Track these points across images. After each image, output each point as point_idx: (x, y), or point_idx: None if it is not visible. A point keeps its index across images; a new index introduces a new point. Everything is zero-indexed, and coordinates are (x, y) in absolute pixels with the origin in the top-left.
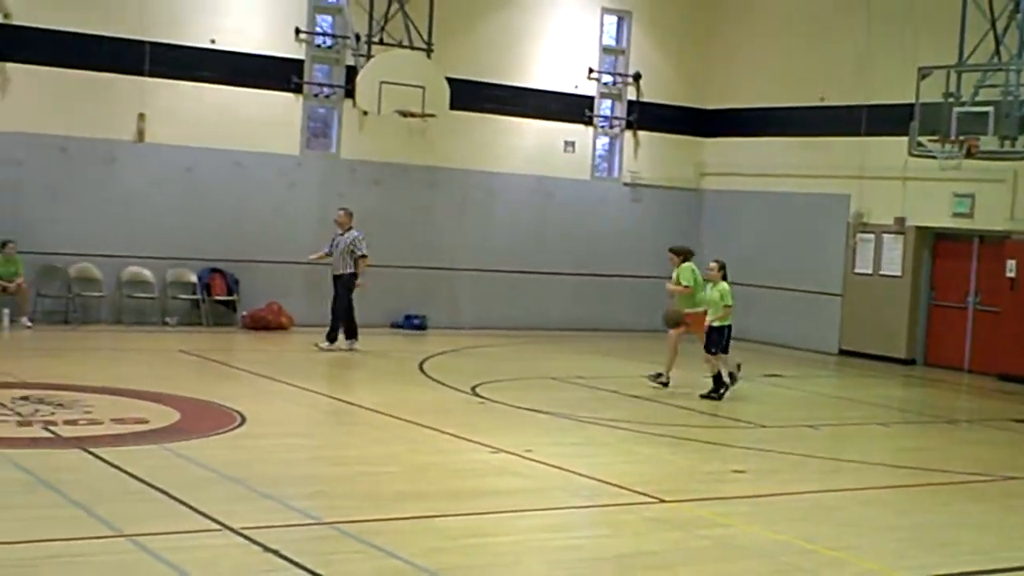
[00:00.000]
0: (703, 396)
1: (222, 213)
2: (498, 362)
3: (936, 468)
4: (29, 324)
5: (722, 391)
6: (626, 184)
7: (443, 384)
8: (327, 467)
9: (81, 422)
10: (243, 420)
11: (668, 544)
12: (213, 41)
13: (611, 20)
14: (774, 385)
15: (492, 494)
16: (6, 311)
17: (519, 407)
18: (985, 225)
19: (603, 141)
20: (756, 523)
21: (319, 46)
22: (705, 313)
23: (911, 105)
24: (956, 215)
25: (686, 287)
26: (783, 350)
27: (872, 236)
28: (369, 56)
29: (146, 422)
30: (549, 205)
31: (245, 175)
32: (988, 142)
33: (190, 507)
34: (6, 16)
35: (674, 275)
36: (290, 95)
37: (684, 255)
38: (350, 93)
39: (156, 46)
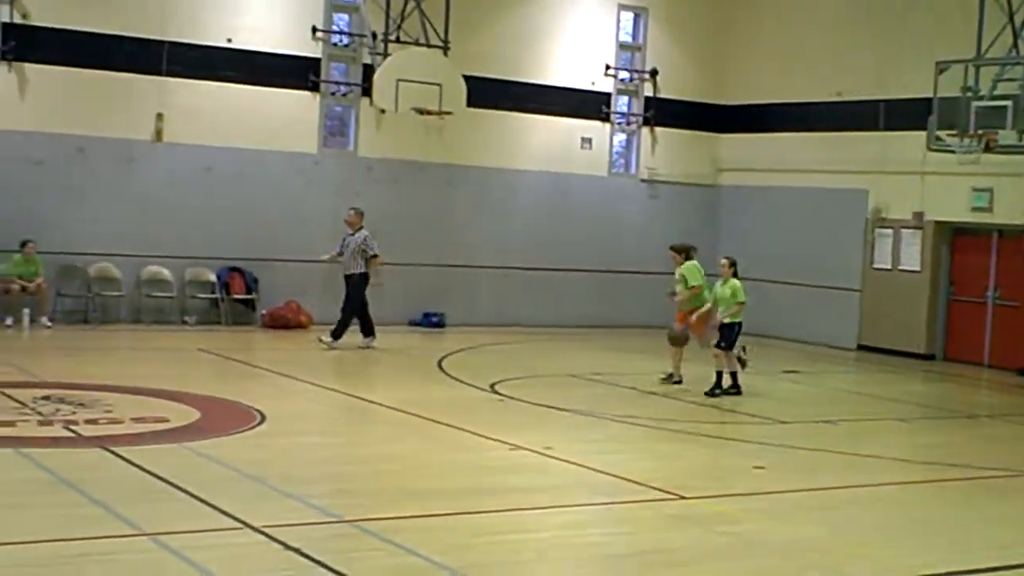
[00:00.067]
0: (707, 393)
1: (240, 212)
2: (516, 359)
3: (956, 464)
4: (49, 324)
5: (717, 392)
6: (643, 180)
7: (462, 381)
8: (348, 465)
9: (102, 421)
10: (263, 418)
11: (688, 541)
12: (230, 40)
13: (627, 16)
14: (792, 381)
15: (512, 491)
16: (26, 311)
17: (538, 404)
18: (1004, 219)
19: (620, 138)
20: (776, 519)
21: (336, 44)
22: (709, 312)
23: (929, 99)
24: (975, 209)
25: (695, 287)
26: (802, 345)
27: (891, 231)
28: (386, 54)
29: (166, 421)
30: (566, 202)
31: (263, 174)
32: (1007, 136)
33: (211, 506)
34: (24, 17)
35: (677, 273)
36: (307, 94)
37: (686, 253)
38: (367, 91)
39: (174, 46)
